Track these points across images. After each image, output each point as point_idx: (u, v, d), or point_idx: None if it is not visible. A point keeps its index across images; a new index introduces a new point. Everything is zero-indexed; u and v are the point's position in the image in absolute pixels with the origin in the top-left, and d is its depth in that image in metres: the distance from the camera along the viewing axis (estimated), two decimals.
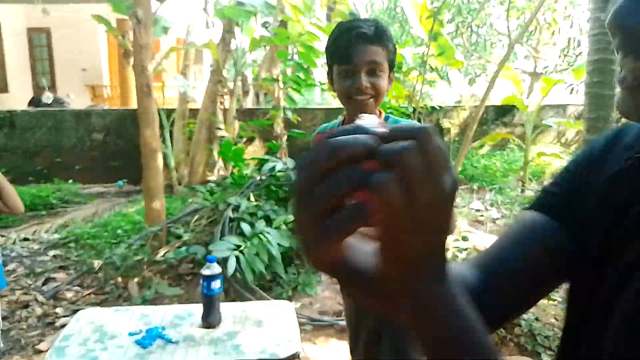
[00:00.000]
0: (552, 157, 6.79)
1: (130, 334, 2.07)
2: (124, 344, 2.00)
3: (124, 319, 2.22)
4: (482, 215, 5.49)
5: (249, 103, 7.53)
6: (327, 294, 3.63)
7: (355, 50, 1.48)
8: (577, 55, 11.02)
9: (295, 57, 4.88)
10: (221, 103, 6.30)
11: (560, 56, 11.17)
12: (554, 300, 3.06)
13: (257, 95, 8.55)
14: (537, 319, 2.92)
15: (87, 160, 7.33)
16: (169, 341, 2.03)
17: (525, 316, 2.89)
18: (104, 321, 2.19)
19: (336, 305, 3.44)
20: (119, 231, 4.65)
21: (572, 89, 9.96)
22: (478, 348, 0.44)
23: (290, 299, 3.44)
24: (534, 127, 6.42)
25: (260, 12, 5.50)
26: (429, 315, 0.42)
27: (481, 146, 7.58)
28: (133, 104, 8.91)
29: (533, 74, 11.10)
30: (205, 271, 2.09)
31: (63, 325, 3.25)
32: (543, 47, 10.69)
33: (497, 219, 5.36)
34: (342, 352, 2.88)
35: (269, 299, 3.29)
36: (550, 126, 6.67)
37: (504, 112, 7.91)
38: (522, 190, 6.18)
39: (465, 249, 3.27)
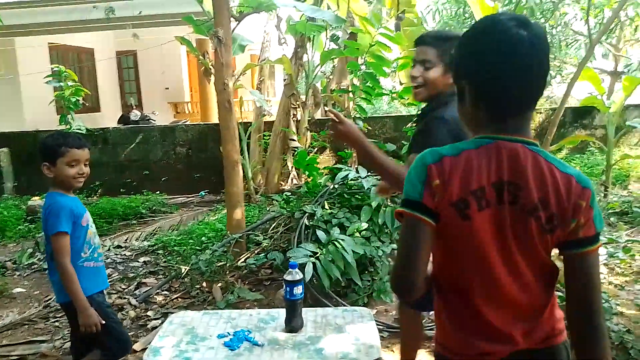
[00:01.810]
0: (637, 159, 6.40)
1: (219, 336, 2.22)
2: (214, 345, 2.14)
3: (213, 322, 2.37)
4: None
5: (319, 114, 7.71)
6: None
7: None
8: None
9: (364, 67, 4.96)
10: (294, 115, 6.51)
11: None
12: None
13: (325, 106, 8.73)
14: (628, 331, 2.77)
15: (172, 173, 7.79)
16: (255, 344, 2.15)
17: (615, 328, 2.75)
18: (194, 324, 2.35)
19: None
20: (203, 238, 4.90)
21: None
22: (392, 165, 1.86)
23: (365, 305, 3.49)
24: (616, 128, 6.09)
25: (330, 26, 5.64)
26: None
27: (559, 149, 7.27)
28: (213, 119, 9.37)
29: (613, 73, 10.48)
30: (288, 277, 2.19)
31: (154, 327, 3.48)
32: (624, 45, 10.07)
33: None
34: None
35: (345, 305, 3.36)
36: (635, 127, 6.29)
37: (583, 114, 7.56)
38: (605, 195, 5.87)
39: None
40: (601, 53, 12.26)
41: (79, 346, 2.36)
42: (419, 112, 2.21)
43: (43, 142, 2.20)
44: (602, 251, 3.58)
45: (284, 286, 2.23)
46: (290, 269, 2.21)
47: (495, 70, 1.11)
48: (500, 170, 1.10)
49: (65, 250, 2.11)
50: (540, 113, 7.67)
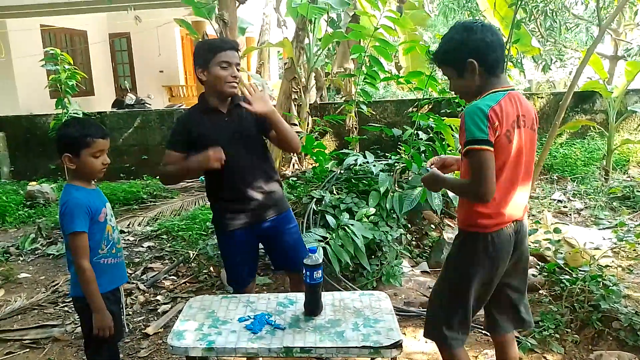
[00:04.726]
0: (638, 144, 6.46)
1: (240, 320, 2.21)
2: (236, 329, 2.14)
3: (232, 306, 2.37)
4: (565, 207, 5.31)
5: (312, 98, 7.60)
6: (410, 285, 3.67)
7: None
8: None
9: (369, 50, 4.90)
10: (295, 99, 6.46)
11: None
12: None
13: (319, 90, 8.62)
14: (637, 313, 2.81)
15: None
16: (277, 327, 2.15)
17: (624, 310, 2.79)
18: (214, 307, 2.35)
19: (421, 296, 3.48)
20: (208, 224, 4.87)
21: None
22: None
23: (375, 289, 3.51)
24: (617, 113, 6.12)
25: (333, 8, 5.58)
26: None
27: (559, 134, 7.30)
28: None
29: (613, 58, 10.49)
30: (308, 261, 2.19)
31: (165, 312, 3.49)
32: (624, 29, 10.06)
33: (582, 209, 5.17)
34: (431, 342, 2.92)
35: (355, 289, 3.38)
36: (636, 112, 6.34)
37: (584, 98, 7.57)
38: (606, 180, 5.92)
39: (558, 241, 3.17)
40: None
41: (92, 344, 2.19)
42: (232, 105, 2.60)
43: (65, 132, 2.08)
44: (608, 235, 3.61)
45: (304, 270, 2.23)
46: (310, 253, 2.21)
47: (493, 47, 1.86)
48: (517, 108, 1.86)
49: (82, 250, 2.03)
50: (542, 98, 7.67)
